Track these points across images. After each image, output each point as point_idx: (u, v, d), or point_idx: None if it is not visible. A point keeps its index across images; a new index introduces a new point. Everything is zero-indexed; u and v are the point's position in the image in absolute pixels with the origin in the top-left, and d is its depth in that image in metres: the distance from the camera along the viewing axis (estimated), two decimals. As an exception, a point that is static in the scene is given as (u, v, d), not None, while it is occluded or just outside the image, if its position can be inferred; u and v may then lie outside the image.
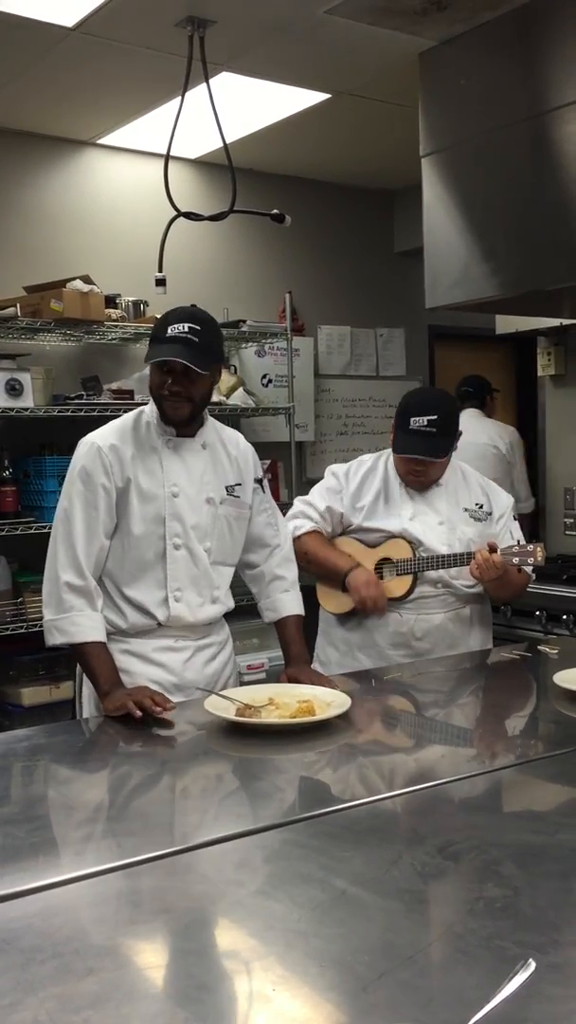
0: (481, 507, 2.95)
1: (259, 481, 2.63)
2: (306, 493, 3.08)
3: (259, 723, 2.09)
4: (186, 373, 2.36)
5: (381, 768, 1.99)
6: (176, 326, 2.37)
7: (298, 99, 4.25)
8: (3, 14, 3.37)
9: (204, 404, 2.48)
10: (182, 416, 2.43)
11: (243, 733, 2.09)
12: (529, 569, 2.88)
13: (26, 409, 4.12)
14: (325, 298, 5.63)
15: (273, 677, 3.24)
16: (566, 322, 4.32)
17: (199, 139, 4.44)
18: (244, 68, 3.89)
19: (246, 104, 4.23)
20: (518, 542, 2.86)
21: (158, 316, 4.48)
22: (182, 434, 2.48)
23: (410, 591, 2.83)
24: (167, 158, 3.70)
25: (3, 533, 4.08)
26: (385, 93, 4.19)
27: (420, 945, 1.21)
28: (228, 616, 2.62)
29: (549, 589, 3.82)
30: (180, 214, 3.76)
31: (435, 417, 2.77)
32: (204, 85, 3.61)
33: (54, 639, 2.38)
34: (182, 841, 1.57)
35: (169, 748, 2.08)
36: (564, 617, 3.76)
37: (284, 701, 2.19)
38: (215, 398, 4.45)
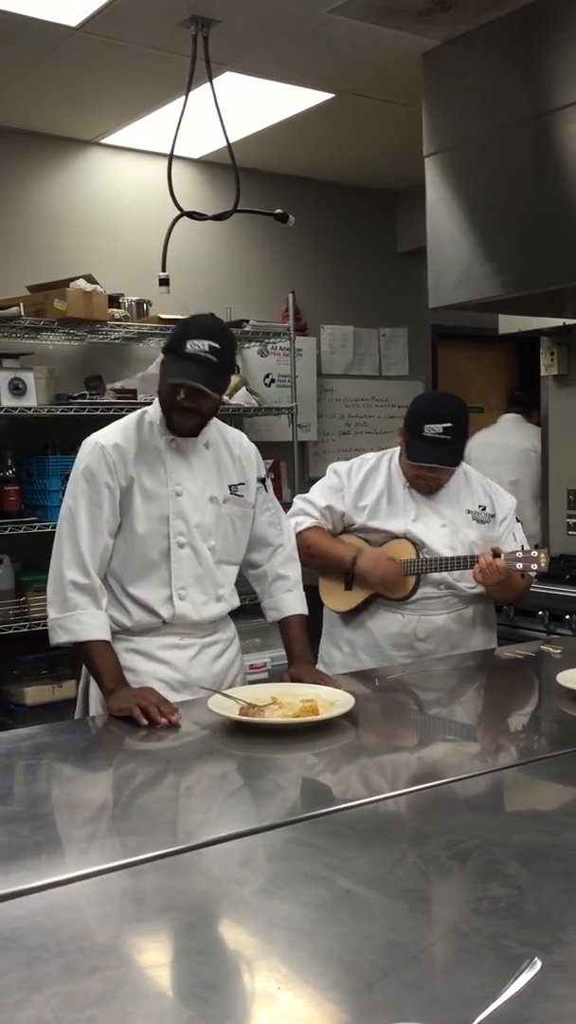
0: (484, 509, 2.95)
1: (262, 480, 2.63)
2: (308, 493, 3.07)
3: (262, 722, 2.10)
4: (201, 392, 2.37)
5: (384, 767, 1.99)
6: (196, 343, 2.33)
7: (301, 99, 4.25)
8: (7, 13, 3.37)
9: (211, 416, 2.50)
10: (189, 428, 2.45)
11: (247, 732, 2.09)
12: (532, 574, 2.88)
13: (29, 408, 4.12)
14: (328, 298, 5.63)
15: (276, 677, 3.25)
16: (569, 322, 4.32)
17: (202, 139, 4.44)
18: (247, 68, 3.89)
19: (249, 104, 4.23)
20: (522, 547, 2.85)
21: (161, 316, 4.57)
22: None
23: (413, 592, 2.83)
24: (170, 158, 3.70)
25: (6, 532, 4.09)
26: (388, 93, 4.19)
27: (424, 944, 1.21)
28: (230, 615, 2.62)
29: (552, 589, 3.82)
30: (183, 214, 3.76)
31: (450, 424, 2.75)
32: (208, 85, 3.61)
33: (58, 637, 2.38)
34: (186, 840, 1.57)
35: (173, 747, 2.08)
36: (567, 617, 3.76)
37: (287, 700, 2.19)
38: (218, 398, 4.45)
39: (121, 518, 2.43)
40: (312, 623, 2.71)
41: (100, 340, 4.65)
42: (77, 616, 2.35)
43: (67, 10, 3.38)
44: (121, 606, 2.45)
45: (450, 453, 2.79)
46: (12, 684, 4.28)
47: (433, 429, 2.74)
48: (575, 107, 3.16)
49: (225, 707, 2.14)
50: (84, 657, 2.39)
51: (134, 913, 1.32)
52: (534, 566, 2.75)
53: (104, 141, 4.79)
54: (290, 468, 5.12)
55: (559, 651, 2.83)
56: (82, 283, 4.20)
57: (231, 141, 3.71)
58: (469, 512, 2.93)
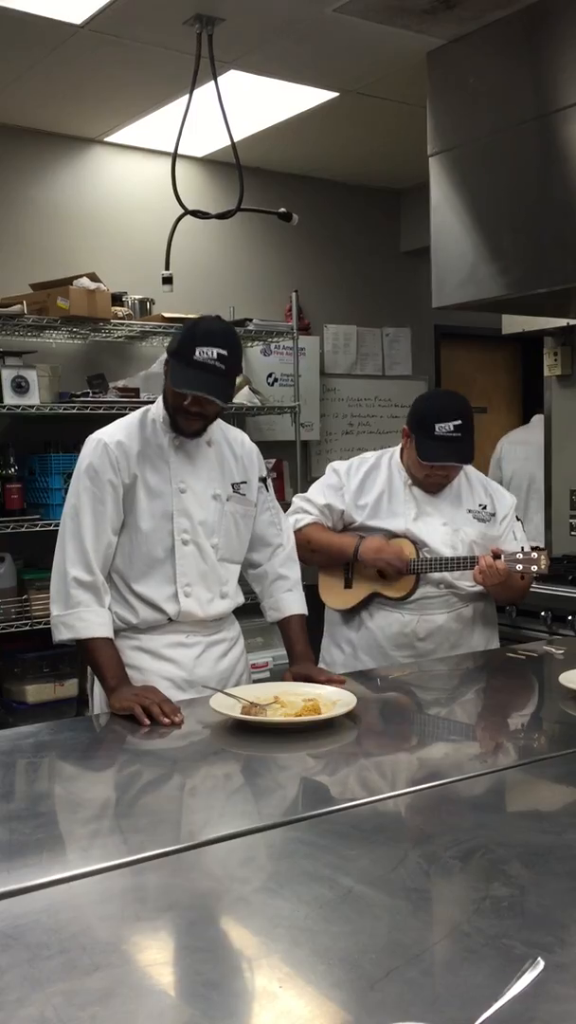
0: (484, 508, 2.95)
1: (263, 480, 2.63)
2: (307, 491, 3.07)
3: (265, 721, 2.09)
4: (209, 400, 2.37)
5: (386, 767, 1.99)
6: (205, 350, 2.32)
7: (306, 97, 4.25)
8: (12, 11, 3.37)
9: (216, 417, 2.51)
10: (194, 431, 2.46)
11: (249, 731, 2.09)
12: (532, 576, 2.88)
13: (32, 406, 4.13)
14: (331, 297, 5.63)
15: (277, 676, 3.24)
16: (573, 322, 4.31)
17: (207, 137, 4.44)
18: (252, 66, 3.89)
19: (254, 102, 4.23)
20: (522, 548, 2.85)
21: (165, 314, 4.57)
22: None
23: (412, 591, 2.83)
24: (174, 156, 3.70)
25: (8, 530, 4.09)
26: (393, 92, 4.19)
27: (427, 944, 1.21)
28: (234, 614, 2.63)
29: (554, 590, 3.81)
30: (187, 212, 3.76)
31: (460, 422, 2.76)
32: (212, 83, 3.61)
33: (61, 635, 2.38)
34: (188, 838, 1.57)
35: (175, 746, 2.08)
36: (569, 617, 3.75)
37: (290, 699, 2.19)
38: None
39: (125, 515, 2.43)
40: (313, 623, 2.70)
41: (103, 338, 4.66)
42: (80, 613, 2.35)
43: (72, 8, 3.38)
44: (127, 603, 2.46)
45: (463, 449, 2.79)
46: (14, 682, 4.28)
47: (444, 427, 2.75)
48: (580, 107, 3.16)
49: (227, 706, 2.14)
50: (87, 655, 2.39)
51: (136, 911, 1.32)
52: (534, 568, 2.75)
53: (108, 139, 4.79)
54: (292, 467, 5.13)
55: (562, 652, 2.83)
56: (85, 281, 4.20)
57: (235, 140, 3.71)
58: (470, 511, 2.93)
